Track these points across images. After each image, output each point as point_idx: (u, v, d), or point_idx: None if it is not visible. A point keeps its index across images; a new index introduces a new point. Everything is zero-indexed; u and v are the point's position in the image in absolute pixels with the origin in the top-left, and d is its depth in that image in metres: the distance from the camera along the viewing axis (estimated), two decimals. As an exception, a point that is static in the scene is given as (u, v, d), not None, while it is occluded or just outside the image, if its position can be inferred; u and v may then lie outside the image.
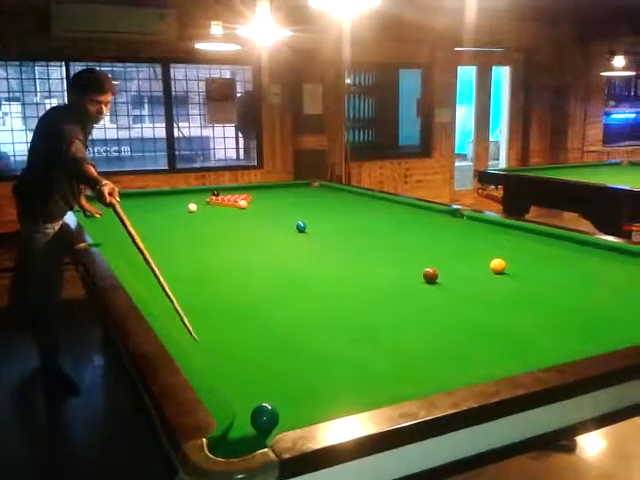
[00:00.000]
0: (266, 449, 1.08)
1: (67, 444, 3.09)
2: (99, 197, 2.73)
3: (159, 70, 6.92)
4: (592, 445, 2.88)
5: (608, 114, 9.28)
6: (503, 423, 1.27)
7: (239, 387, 1.41)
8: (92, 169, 2.94)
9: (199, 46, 5.19)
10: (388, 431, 1.16)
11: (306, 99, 6.96)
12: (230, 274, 2.51)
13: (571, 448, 2.79)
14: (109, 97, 3.29)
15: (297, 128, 7.13)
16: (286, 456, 1.06)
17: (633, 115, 9.73)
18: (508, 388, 1.30)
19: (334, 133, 7.30)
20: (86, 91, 3.23)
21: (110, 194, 2.70)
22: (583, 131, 8.79)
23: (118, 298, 1.99)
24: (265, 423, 1.16)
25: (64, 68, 6.45)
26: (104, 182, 2.79)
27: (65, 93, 6.51)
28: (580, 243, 2.81)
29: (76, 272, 2.85)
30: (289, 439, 1.10)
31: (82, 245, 2.78)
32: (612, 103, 9.56)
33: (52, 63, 6.59)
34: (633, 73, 8.84)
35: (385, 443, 1.16)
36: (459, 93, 8.48)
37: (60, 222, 3.44)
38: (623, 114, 9.63)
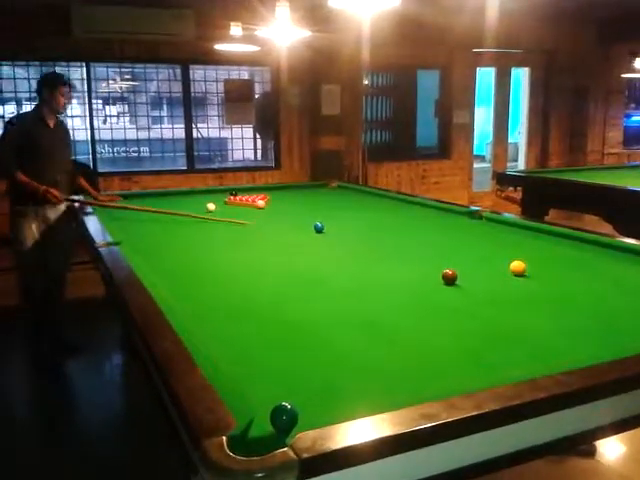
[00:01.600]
0: (286, 448, 1.07)
1: (84, 442, 3.11)
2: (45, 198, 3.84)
3: (178, 71, 6.96)
4: (611, 449, 2.84)
5: (628, 116, 9.18)
6: (524, 426, 1.26)
7: (258, 386, 1.41)
8: (23, 177, 3.87)
9: (218, 47, 5.21)
10: (408, 432, 1.15)
11: (324, 100, 6.95)
12: (248, 274, 2.52)
13: (590, 452, 2.76)
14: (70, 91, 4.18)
15: (315, 129, 7.13)
16: (306, 455, 1.06)
17: (654, 117, 9.63)
18: (530, 391, 1.29)
19: (352, 134, 7.29)
20: (56, 85, 4.02)
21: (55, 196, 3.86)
22: (603, 133, 8.69)
23: (138, 297, 2.00)
24: (284, 422, 1.16)
25: (84, 69, 6.51)
26: (42, 187, 3.84)
27: (85, 93, 6.59)
28: (601, 246, 2.78)
29: (96, 270, 2.88)
30: (309, 438, 1.10)
31: (102, 243, 2.80)
32: (632, 105, 9.45)
33: (72, 64, 6.65)
34: (655, 75, 8.73)
35: (405, 444, 1.15)
36: (478, 94, 8.43)
37: (41, 208, 3.98)
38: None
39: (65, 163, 4.20)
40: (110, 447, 3.01)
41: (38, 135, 3.98)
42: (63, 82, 4.06)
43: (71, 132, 5.00)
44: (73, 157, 4.55)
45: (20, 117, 4.37)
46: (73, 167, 4.37)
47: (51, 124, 4.07)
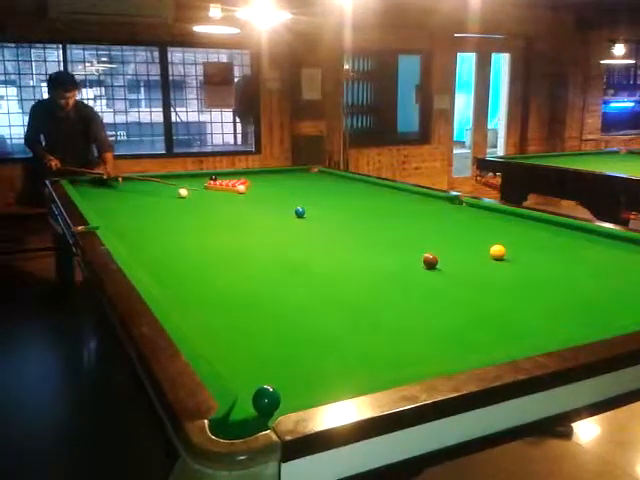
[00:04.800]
0: (268, 431, 1.08)
1: (61, 428, 3.08)
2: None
3: (156, 54, 6.86)
4: (588, 431, 2.90)
5: (607, 103, 9.25)
6: (503, 407, 1.27)
7: (241, 370, 1.41)
8: (36, 146, 4.95)
9: (197, 29, 5.15)
10: (389, 414, 1.16)
11: (305, 84, 6.91)
12: (229, 259, 2.51)
13: (567, 434, 2.81)
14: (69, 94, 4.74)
15: (295, 113, 7.09)
16: (288, 438, 1.06)
17: (632, 104, 9.70)
18: (509, 372, 1.30)
19: (333, 119, 7.26)
20: (53, 90, 4.76)
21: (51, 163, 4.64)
22: (582, 119, 8.76)
23: (117, 282, 1.98)
24: (267, 405, 1.16)
25: (61, 50, 6.39)
26: (48, 157, 4.68)
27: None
28: (579, 230, 2.82)
29: (74, 256, 2.84)
30: (291, 421, 1.10)
31: (80, 228, 2.76)
32: (611, 92, 9.52)
33: (49, 45, 6.52)
34: (633, 61, 8.81)
35: (386, 426, 1.16)
36: (458, 81, 8.44)
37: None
38: (622, 103, 9.60)
39: (73, 144, 4.87)
40: (86, 434, 2.99)
41: (47, 121, 4.85)
42: (60, 88, 4.68)
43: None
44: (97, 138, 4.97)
45: (40, 103, 5.20)
46: (100, 146, 4.93)
47: (60, 114, 4.77)
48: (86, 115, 4.95)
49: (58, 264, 4.91)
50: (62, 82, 4.75)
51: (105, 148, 4.89)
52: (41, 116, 4.89)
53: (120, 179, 4.53)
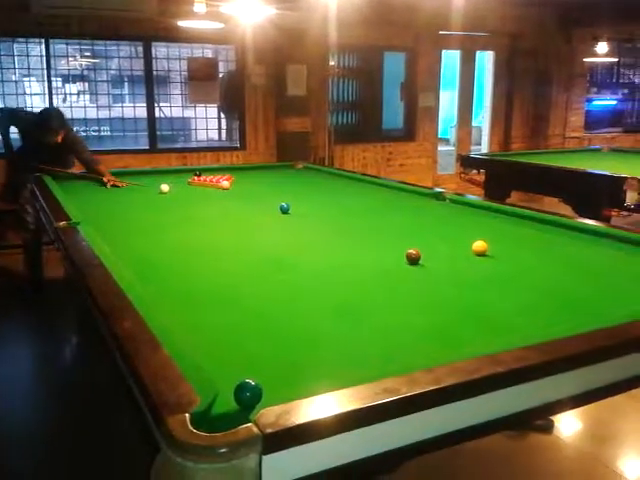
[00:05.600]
0: (249, 424, 1.08)
1: (43, 424, 3.06)
2: None
3: (140, 48, 6.81)
4: (568, 425, 2.93)
5: (590, 100, 9.33)
6: (483, 400, 1.29)
7: (223, 365, 1.41)
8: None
9: (181, 24, 5.11)
10: (370, 406, 1.16)
11: (290, 80, 6.90)
12: (212, 255, 2.50)
13: (548, 428, 2.84)
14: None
15: (280, 109, 7.07)
16: (269, 430, 1.06)
17: (614, 102, 9.79)
18: (489, 365, 1.31)
19: (318, 115, 7.26)
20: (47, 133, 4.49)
21: None
22: (565, 117, 8.83)
23: (99, 276, 1.97)
24: (248, 398, 1.17)
25: (44, 45, 6.32)
26: None
27: (44, 71, 6.39)
28: (561, 227, 2.84)
29: (56, 251, 2.83)
30: (272, 414, 1.11)
31: (62, 224, 2.75)
32: (594, 90, 9.61)
33: (31, 40, 6.44)
34: (616, 60, 8.88)
35: (367, 418, 1.16)
36: (443, 78, 8.47)
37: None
38: (605, 101, 9.69)
39: (51, 151, 4.58)
40: (70, 429, 2.97)
41: (27, 129, 4.69)
42: (47, 134, 4.45)
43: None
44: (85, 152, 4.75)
45: (25, 119, 4.87)
46: (89, 167, 4.63)
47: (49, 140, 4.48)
48: (67, 140, 4.65)
49: (27, 260, 4.80)
50: (47, 132, 4.47)
51: (94, 166, 4.59)
52: (25, 126, 4.73)
53: (120, 183, 4.34)
